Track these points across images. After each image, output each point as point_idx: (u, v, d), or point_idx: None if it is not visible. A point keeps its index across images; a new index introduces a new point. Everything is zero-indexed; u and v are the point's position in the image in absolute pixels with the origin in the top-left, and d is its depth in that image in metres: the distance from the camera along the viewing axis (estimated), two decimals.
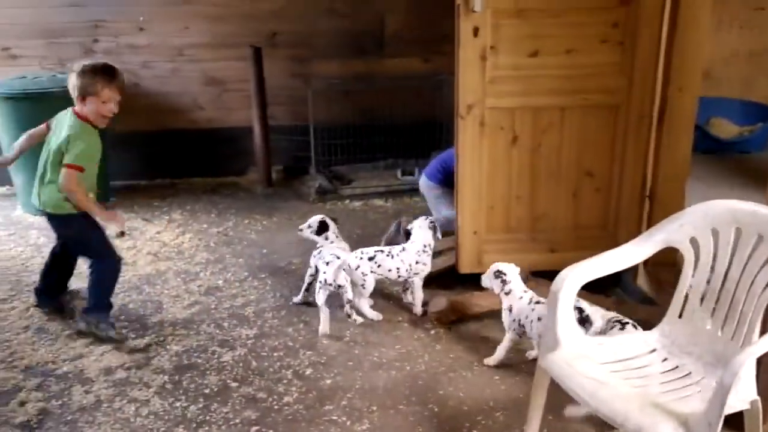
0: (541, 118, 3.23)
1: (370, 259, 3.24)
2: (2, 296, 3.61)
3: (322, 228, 3.48)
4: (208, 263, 3.99)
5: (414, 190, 4.99)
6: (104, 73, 3.11)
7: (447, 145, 5.21)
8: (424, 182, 4.25)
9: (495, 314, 3.22)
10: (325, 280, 3.13)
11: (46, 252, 4.05)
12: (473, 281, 3.38)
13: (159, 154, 5.42)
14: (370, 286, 3.23)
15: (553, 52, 3.14)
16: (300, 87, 5.23)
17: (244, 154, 5.32)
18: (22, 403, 2.70)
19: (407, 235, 3.40)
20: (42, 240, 4.33)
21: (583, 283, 2.24)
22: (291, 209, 4.83)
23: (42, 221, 4.57)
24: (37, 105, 4.53)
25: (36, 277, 3.58)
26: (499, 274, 2.87)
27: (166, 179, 5.43)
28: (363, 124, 5.26)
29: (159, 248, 4.20)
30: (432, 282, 3.52)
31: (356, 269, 3.20)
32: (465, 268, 3.44)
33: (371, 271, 3.22)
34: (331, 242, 3.46)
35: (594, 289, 2.90)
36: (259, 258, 4.06)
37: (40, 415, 2.64)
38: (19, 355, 3.06)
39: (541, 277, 3.19)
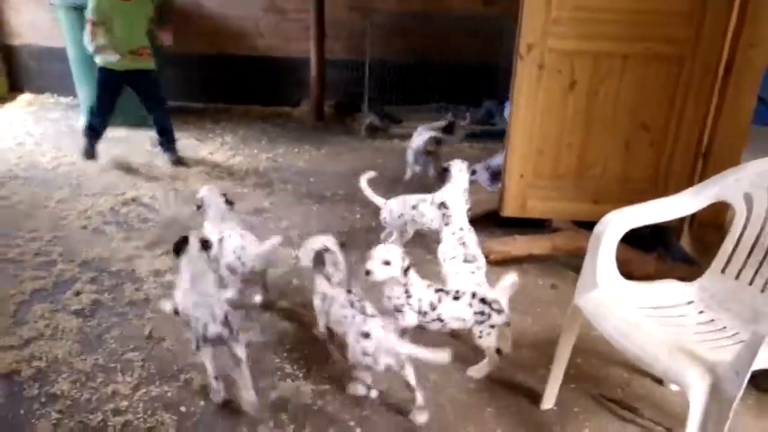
0: (601, 64, 3.16)
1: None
2: (64, 197, 3.79)
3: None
4: (257, 186, 4.09)
5: (464, 135, 4.98)
6: None
7: (501, 93, 5.18)
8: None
9: (535, 259, 3.27)
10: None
11: (106, 160, 4.23)
12: (516, 225, 3.43)
13: (215, 77, 5.51)
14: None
15: None
16: (358, 22, 5.21)
17: (298, 86, 5.37)
18: (78, 293, 2.87)
19: (444, 171, 3.34)
20: (101, 150, 4.48)
21: (629, 228, 2.24)
22: (340, 143, 4.89)
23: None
24: None
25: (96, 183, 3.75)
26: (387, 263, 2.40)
27: (220, 103, 5.53)
28: (418, 64, 5.23)
29: (211, 168, 4.31)
30: (474, 223, 3.54)
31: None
32: (508, 211, 3.46)
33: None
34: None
35: (636, 244, 2.93)
36: (306, 185, 4.14)
37: (93, 305, 2.80)
38: (77, 251, 3.23)
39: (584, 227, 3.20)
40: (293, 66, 5.33)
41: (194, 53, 5.32)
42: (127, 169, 4.27)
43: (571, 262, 3.25)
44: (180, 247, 2.41)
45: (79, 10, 4.61)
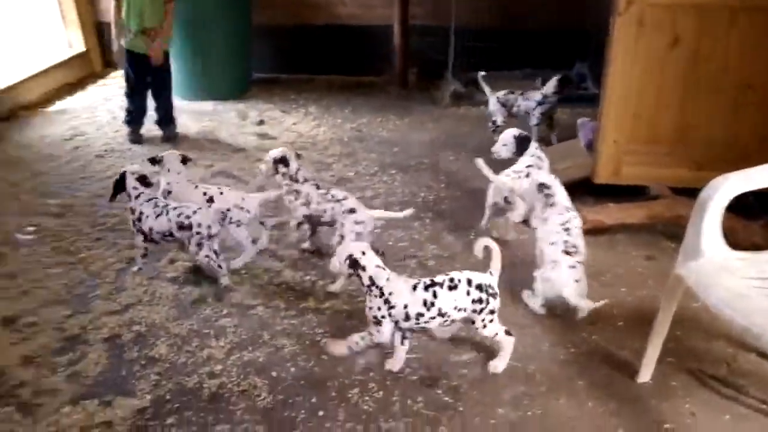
0: (707, 19, 2.94)
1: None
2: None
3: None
4: (341, 156, 4.10)
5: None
6: None
7: (592, 56, 4.95)
8: None
9: (629, 228, 3.12)
10: None
11: (193, 133, 4.34)
12: (609, 193, 3.28)
13: (298, 48, 5.53)
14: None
15: None
16: None
17: (381, 54, 5.31)
18: (172, 261, 2.97)
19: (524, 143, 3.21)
20: (190, 123, 4.62)
21: (736, 194, 2.09)
22: (424, 111, 4.82)
23: (189, 106, 4.89)
24: None
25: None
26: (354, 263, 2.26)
27: (303, 74, 5.56)
28: (504, 29, 5.06)
29: (295, 138, 4.35)
30: (566, 189, 3.42)
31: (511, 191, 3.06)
32: (601, 178, 3.31)
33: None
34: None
35: (741, 212, 2.73)
36: (390, 155, 4.11)
37: (186, 273, 2.89)
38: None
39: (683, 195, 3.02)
40: (376, 34, 5.27)
41: (276, 24, 5.36)
42: (215, 141, 4.37)
43: (668, 231, 3.08)
44: (118, 186, 2.84)
45: None
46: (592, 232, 3.10)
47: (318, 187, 2.95)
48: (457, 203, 3.49)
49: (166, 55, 4.25)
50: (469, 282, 2.23)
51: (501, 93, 4.13)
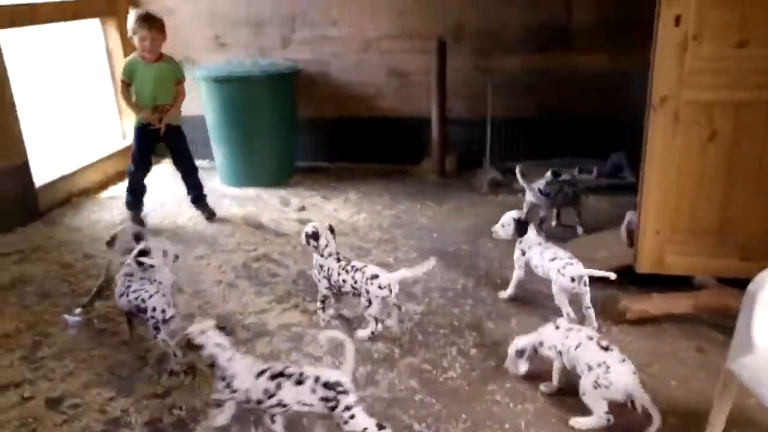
0: (744, 114, 2.98)
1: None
2: (200, 254, 4.02)
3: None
4: (380, 241, 4.15)
5: (590, 189, 4.84)
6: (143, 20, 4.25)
7: (628, 146, 5.01)
8: None
9: (676, 319, 3.06)
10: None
11: (238, 219, 4.48)
12: (652, 282, 3.25)
13: (341, 139, 5.74)
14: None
15: (763, 42, 2.89)
16: (480, 80, 5.26)
17: (419, 144, 5.46)
18: None
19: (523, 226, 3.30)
20: (234, 209, 4.76)
21: None
22: (462, 199, 4.88)
23: (233, 192, 5.07)
24: (237, 87, 5.01)
25: (229, 240, 3.96)
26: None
27: (345, 162, 5.73)
28: (541, 119, 5.18)
29: (336, 224, 4.41)
30: (605, 279, 3.41)
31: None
32: (644, 267, 3.28)
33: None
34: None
35: None
36: (429, 241, 4.15)
37: None
38: (213, 304, 3.40)
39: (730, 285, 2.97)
40: (414, 125, 5.44)
41: (322, 117, 5.61)
42: (258, 226, 4.47)
43: (716, 322, 3.01)
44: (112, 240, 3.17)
45: (219, 81, 5.01)
46: (637, 322, 3.06)
47: (339, 260, 3.08)
48: (497, 290, 3.47)
49: (180, 129, 4.51)
50: (317, 379, 2.19)
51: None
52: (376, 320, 2.98)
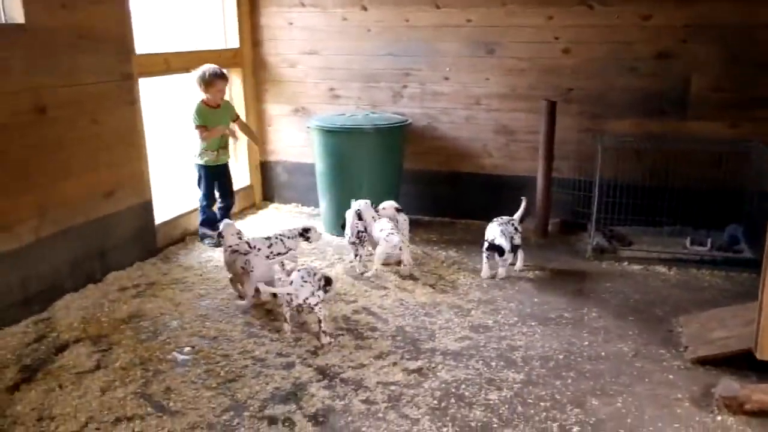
0: None
1: None
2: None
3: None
4: (480, 302, 4.11)
5: (703, 262, 4.62)
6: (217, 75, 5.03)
7: (747, 219, 4.75)
8: None
9: None
10: None
11: (340, 266, 4.58)
12: None
13: (444, 193, 5.78)
14: None
15: None
16: (588, 142, 5.19)
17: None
18: (312, 396, 3.05)
19: None
20: (336, 256, 4.86)
21: None
22: (565, 263, 4.78)
23: (336, 240, 5.18)
24: (348, 137, 5.18)
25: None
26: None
27: (446, 217, 5.76)
28: (651, 185, 5.02)
29: (436, 281, 4.44)
30: (721, 363, 3.22)
31: None
32: (765, 354, 3.06)
33: None
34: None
35: None
36: (530, 305, 4.07)
37: (324, 410, 2.95)
38: (314, 354, 3.46)
39: None
40: (519, 184, 5.41)
41: (427, 170, 5.71)
42: (358, 277, 4.54)
43: None
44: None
45: (330, 132, 5.20)
46: (758, 414, 2.85)
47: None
48: (602, 364, 3.35)
49: (227, 166, 5.39)
50: None
51: None
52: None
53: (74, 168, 4.15)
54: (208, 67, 5.00)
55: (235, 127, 5.32)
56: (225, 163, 5.32)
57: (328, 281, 3.75)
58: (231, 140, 5.44)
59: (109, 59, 4.36)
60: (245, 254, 4.03)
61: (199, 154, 5.11)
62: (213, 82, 4.98)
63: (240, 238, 4.15)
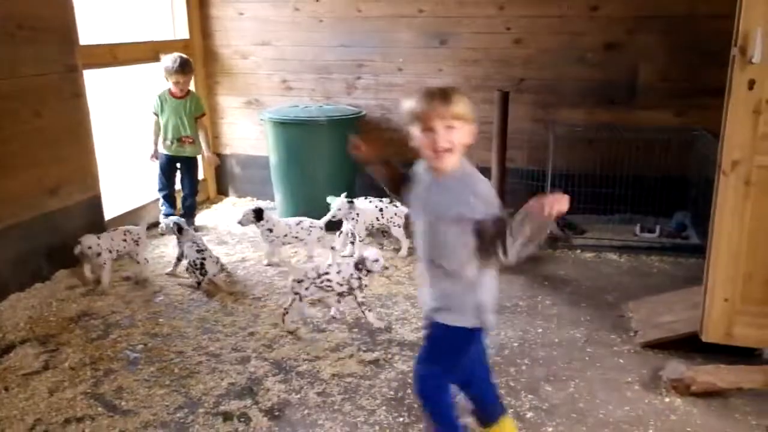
0: None
1: None
2: (258, 295, 4.08)
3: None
4: None
5: (652, 248, 4.73)
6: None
7: (694, 205, 4.89)
8: None
9: (743, 394, 2.93)
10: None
11: (296, 259, 4.52)
12: (718, 352, 3.13)
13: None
14: None
15: None
16: (541, 132, 5.25)
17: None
18: (268, 390, 3.02)
19: None
20: (292, 250, 4.82)
21: None
22: None
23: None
24: (302, 130, 5.13)
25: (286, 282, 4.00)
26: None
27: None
28: (602, 174, 5.10)
29: (392, 272, 4.44)
30: (669, 346, 3.31)
31: None
32: (710, 337, 3.16)
33: None
34: None
35: None
36: None
37: (280, 404, 2.93)
38: (269, 347, 3.42)
39: None
40: None
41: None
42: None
43: None
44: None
45: (283, 124, 5.14)
46: (703, 395, 2.94)
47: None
48: (555, 351, 3.40)
49: (195, 160, 5.40)
50: None
51: None
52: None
53: (17, 163, 4.01)
54: (170, 57, 5.00)
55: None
56: (183, 156, 5.24)
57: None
58: (201, 136, 5.30)
59: (52, 50, 4.22)
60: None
61: (155, 139, 5.20)
62: (171, 73, 5.01)
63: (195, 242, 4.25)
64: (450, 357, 2.33)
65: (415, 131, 2.20)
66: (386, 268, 3.73)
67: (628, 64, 5.13)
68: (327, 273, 3.66)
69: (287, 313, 3.63)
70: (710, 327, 3.16)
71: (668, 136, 4.93)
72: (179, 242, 4.32)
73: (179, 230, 4.28)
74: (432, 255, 2.25)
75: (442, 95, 2.14)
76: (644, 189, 4.99)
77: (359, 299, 3.66)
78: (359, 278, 3.65)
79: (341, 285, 3.65)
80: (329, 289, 3.67)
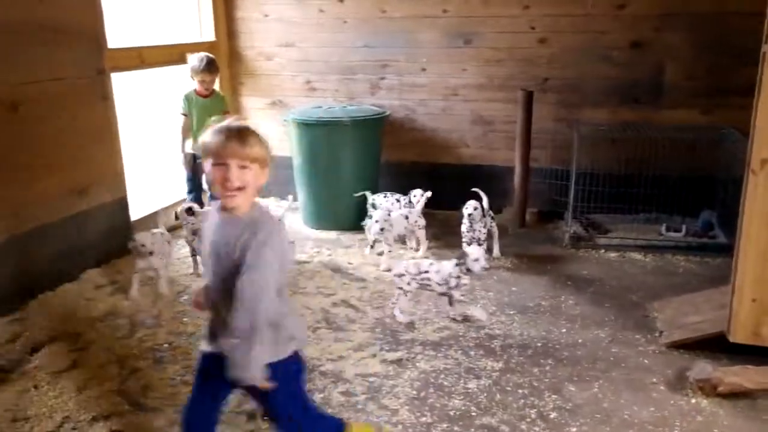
0: None
1: None
2: None
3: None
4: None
5: (678, 248, 4.68)
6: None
7: (720, 204, 4.82)
8: None
9: None
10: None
11: (319, 260, 4.56)
12: (744, 353, 3.09)
13: (422, 184, 5.75)
14: None
15: None
16: (565, 132, 5.23)
17: (501, 193, 5.42)
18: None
19: None
20: (315, 250, 4.85)
21: None
22: (542, 252, 4.81)
23: (315, 234, 5.16)
24: (326, 130, 5.15)
25: (309, 283, 4.03)
26: None
27: (426, 209, 5.73)
28: (627, 173, 5.06)
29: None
30: (694, 346, 3.27)
31: None
32: (738, 337, 3.11)
33: None
34: None
35: None
36: (508, 294, 4.09)
37: None
38: None
39: None
40: (496, 174, 5.44)
41: (405, 161, 5.71)
42: (337, 269, 4.53)
43: None
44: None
45: (307, 125, 5.17)
46: (729, 396, 2.90)
47: None
48: (578, 351, 3.38)
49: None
50: None
51: None
52: None
53: (47, 166, 4.09)
54: (197, 56, 5.08)
55: None
56: None
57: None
58: None
59: (81, 54, 4.29)
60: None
61: (184, 139, 5.22)
62: (197, 72, 5.06)
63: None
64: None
65: (207, 165, 2.07)
66: (487, 269, 3.75)
67: (653, 62, 5.08)
68: (427, 272, 3.70)
69: (397, 307, 3.73)
70: (738, 327, 3.11)
71: (694, 135, 4.87)
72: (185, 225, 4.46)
73: (191, 213, 4.42)
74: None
75: (238, 137, 2.03)
76: (669, 188, 4.94)
77: (456, 298, 3.70)
78: (458, 276, 3.66)
79: (440, 285, 3.68)
80: (429, 288, 3.72)
